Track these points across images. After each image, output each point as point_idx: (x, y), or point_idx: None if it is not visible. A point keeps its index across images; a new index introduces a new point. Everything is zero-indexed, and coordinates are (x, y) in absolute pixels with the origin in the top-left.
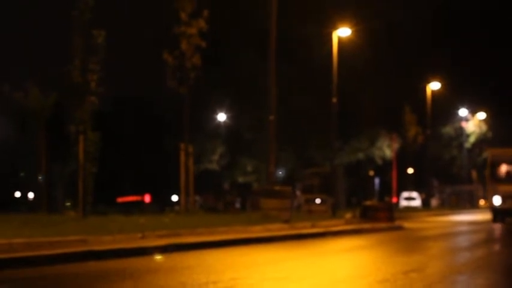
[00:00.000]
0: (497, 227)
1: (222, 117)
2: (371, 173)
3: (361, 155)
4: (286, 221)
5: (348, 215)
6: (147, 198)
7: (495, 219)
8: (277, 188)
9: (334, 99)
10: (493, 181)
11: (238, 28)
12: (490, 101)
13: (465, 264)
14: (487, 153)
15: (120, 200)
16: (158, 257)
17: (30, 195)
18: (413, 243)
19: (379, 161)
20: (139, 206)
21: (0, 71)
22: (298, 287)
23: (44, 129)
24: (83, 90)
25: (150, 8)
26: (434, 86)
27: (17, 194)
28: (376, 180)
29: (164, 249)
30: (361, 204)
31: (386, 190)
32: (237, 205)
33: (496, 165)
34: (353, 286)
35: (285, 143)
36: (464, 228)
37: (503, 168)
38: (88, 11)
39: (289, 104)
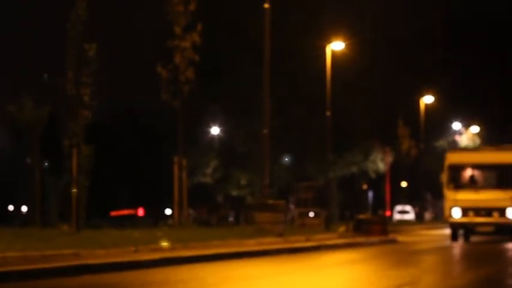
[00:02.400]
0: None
1: (215, 130)
2: (364, 186)
3: (354, 169)
4: (280, 235)
5: (342, 229)
6: (141, 212)
7: (454, 237)
8: (270, 201)
9: (328, 113)
10: (451, 189)
11: (232, 41)
12: (484, 115)
13: (458, 278)
14: (446, 156)
15: (113, 213)
16: (164, 244)
17: (24, 208)
18: (406, 256)
19: (373, 175)
20: (133, 219)
21: None
22: None
23: (38, 142)
24: (76, 104)
25: (145, 21)
26: (427, 99)
27: (11, 208)
28: (370, 194)
29: (158, 263)
30: (354, 218)
31: (379, 203)
32: (231, 219)
33: (456, 169)
34: None
35: (279, 156)
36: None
37: (465, 173)
38: (80, 23)
39: (283, 117)
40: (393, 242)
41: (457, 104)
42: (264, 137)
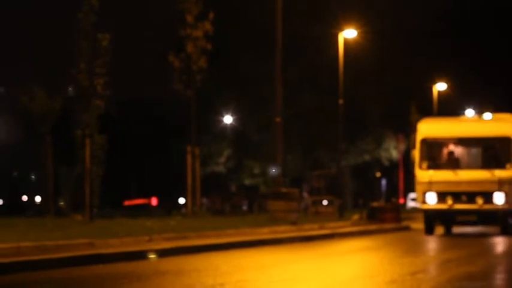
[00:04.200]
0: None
1: (228, 119)
2: (378, 174)
3: (367, 157)
4: (293, 223)
5: (355, 217)
6: (154, 201)
7: (429, 230)
8: (284, 190)
9: (341, 101)
10: (424, 168)
11: (244, 29)
12: (497, 102)
13: (473, 265)
14: (417, 127)
15: (127, 203)
16: (152, 256)
17: (37, 199)
18: (420, 244)
19: (386, 162)
20: (146, 209)
21: (6, 74)
22: None
23: (50, 133)
24: (89, 94)
25: (156, 10)
26: (440, 86)
27: (24, 198)
28: (383, 182)
29: (171, 252)
30: (368, 206)
31: (393, 191)
32: (244, 207)
33: (430, 144)
34: (360, 287)
35: (291, 144)
36: (471, 229)
37: (442, 149)
38: (93, 13)
39: (296, 106)
40: (407, 229)
41: (470, 91)
42: (276, 125)
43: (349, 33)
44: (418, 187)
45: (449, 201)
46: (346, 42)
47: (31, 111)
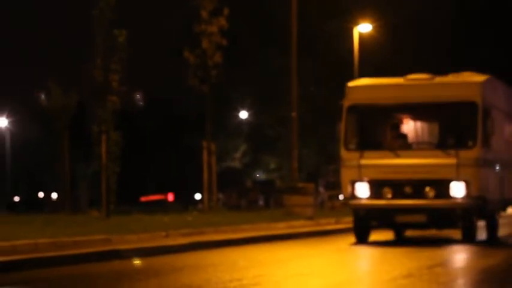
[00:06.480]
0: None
1: (244, 114)
2: None
3: None
4: (310, 218)
5: None
6: (171, 197)
7: (360, 236)
8: (300, 184)
9: None
10: (353, 149)
11: (260, 25)
12: None
13: (491, 257)
14: (346, 91)
15: (143, 199)
16: (137, 262)
17: (54, 195)
18: (437, 237)
19: None
20: (163, 204)
21: (22, 71)
22: (323, 283)
23: (66, 130)
24: (104, 90)
25: (171, 6)
26: None
27: (41, 195)
28: None
29: (188, 248)
30: None
31: None
32: (260, 202)
33: (362, 113)
34: (378, 281)
35: (307, 139)
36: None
37: (380, 120)
38: (109, 10)
39: (311, 100)
40: None
41: None
42: (292, 120)
43: (364, 28)
44: (343, 174)
45: (388, 195)
46: (361, 37)
47: (47, 107)
